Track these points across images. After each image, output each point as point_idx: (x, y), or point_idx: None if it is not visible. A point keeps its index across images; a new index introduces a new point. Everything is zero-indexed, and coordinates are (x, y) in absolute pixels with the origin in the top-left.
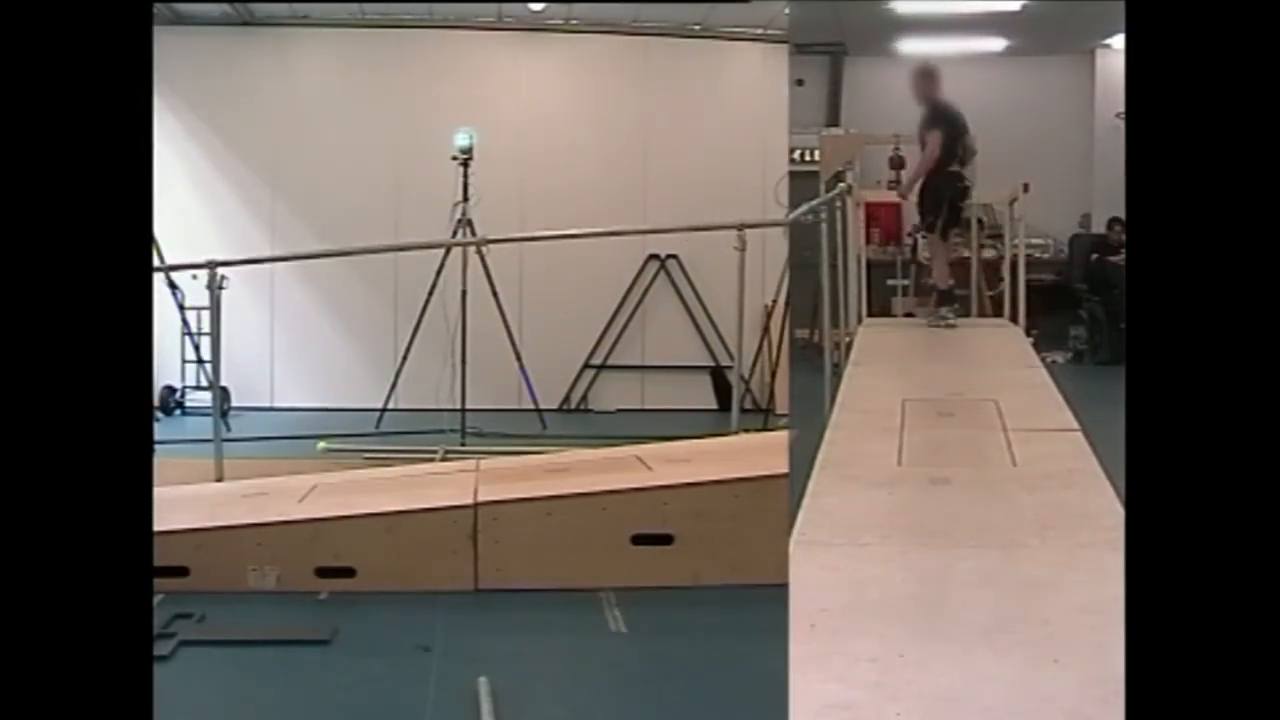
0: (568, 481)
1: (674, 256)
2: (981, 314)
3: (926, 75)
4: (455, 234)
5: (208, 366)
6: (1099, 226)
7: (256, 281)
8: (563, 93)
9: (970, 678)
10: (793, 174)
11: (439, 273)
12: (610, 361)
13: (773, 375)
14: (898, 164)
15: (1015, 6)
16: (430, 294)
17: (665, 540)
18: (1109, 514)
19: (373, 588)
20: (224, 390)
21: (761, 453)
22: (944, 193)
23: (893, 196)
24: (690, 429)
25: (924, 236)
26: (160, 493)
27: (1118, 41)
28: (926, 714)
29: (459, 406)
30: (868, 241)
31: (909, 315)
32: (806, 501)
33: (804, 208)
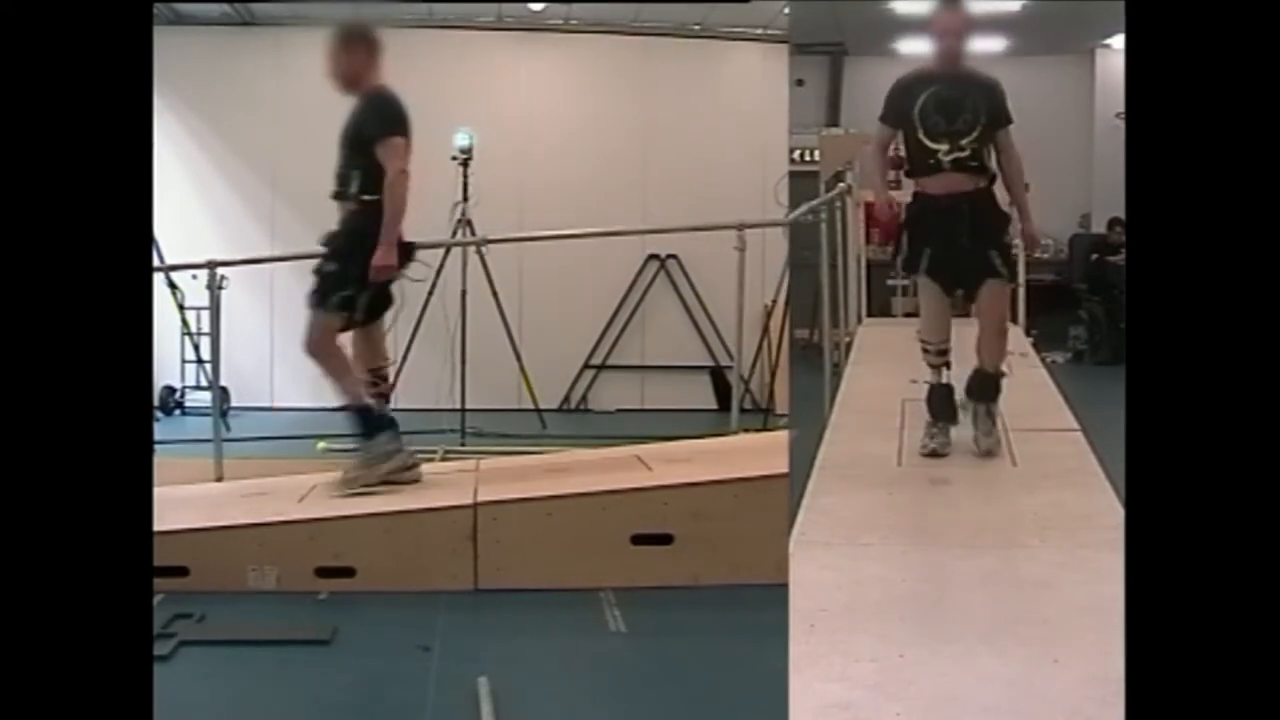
0: (568, 481)
1: (674, 256)
2: None
3: (954, 17)
4: (455, 234)
5: (207, 366)
6: (1099, 226)
7: (256, 281)
8: (563, 93)
9: (970, 678)
10: (793, 174)
11: (439, 273)
12: (610, 361)
13: (773, 375)
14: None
15: (1015, 6)
16: (430, 294)
17: (665, 540)
18: (1109, 514)
19: (373, 588)
20: (224, 390)
21: (761, 453)
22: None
23: (894, 196)
24: (690, 429)
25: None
26: (160, 493)
27: (1118, 41)
28: (926, 714)
29: (459, 406)
30: (868, 241)
31: (909, 315)
32: (806, 501)
33: (804, 208)
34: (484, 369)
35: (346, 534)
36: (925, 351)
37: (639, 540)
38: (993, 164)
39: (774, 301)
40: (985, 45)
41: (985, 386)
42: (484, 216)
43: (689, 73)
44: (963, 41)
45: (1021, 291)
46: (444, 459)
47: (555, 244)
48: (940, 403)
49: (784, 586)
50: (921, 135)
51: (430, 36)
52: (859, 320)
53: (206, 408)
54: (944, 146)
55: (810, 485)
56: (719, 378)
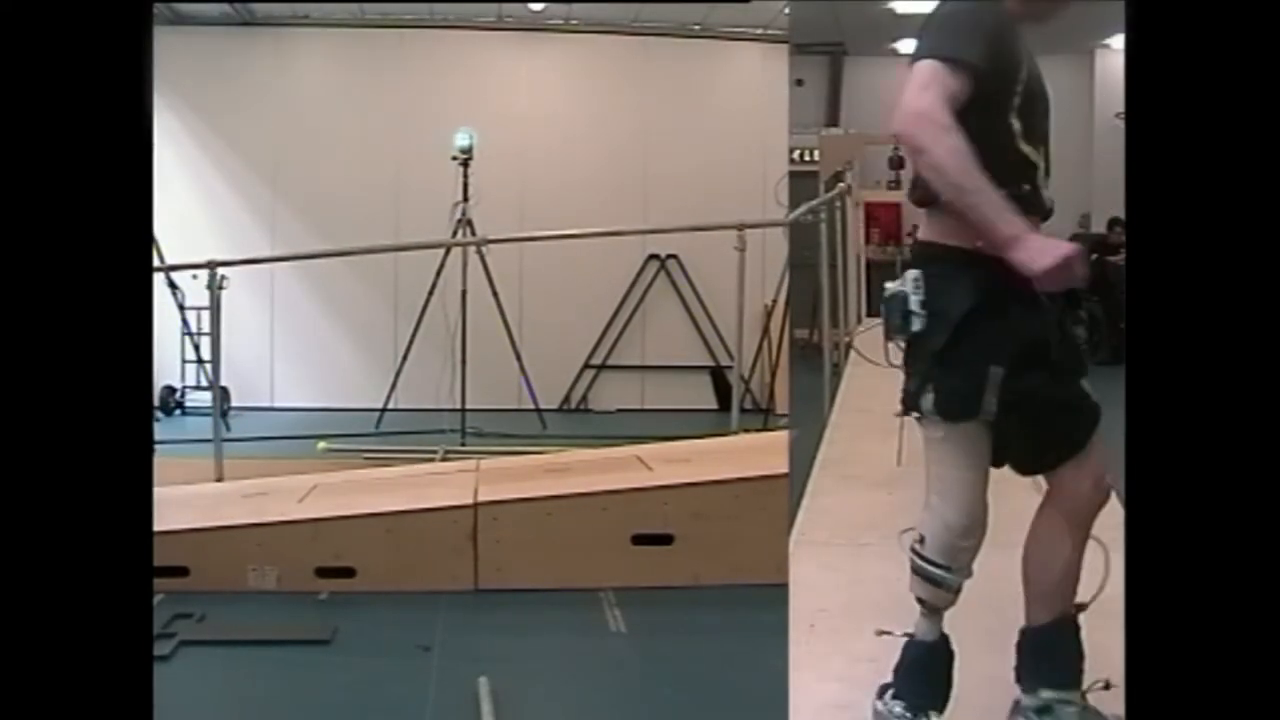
0: (568, 481)
1: (674, 256)
2: None
3: None
4: (455, 234)
5: (208, 366)
6: (1099, 226)
7: (256, 281)
8: (563, 93)
9: (970, 678)
10: (793, 174)
11: (439, 273)
12: (610, 361)
13: (773, 375)
14: (897, 164)
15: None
16: (430, 294)
17: (665, 540)
18: (1109, 514)
19: (373, 588)
20: (224, 390)
21: (761, 453)
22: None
23: (893, 196)
24: (690, 429)
25: (917, 418)
26: (160, 493)
27: (1118, 41)
28: None
29: (459, 406)
30: (867, 241)
31: None
32: (806, 501)
33: (804, 208)
34: (484, 369)
35: (346, 534)
36: (923, 574)
37: (639, 540)
38: None
39: (774, 301)
40: None
41: (1062, 653)
42: (484, 216)
43: (689, 73)
44: None
45: None
46: (444, 459)
47: (555, 244)
48: (926, 673)
49: (784, 586)
50: (1017, 131)
51: (430, 36)
52: (859, 320)
53: (206, 408)
54: (1045, 163)
55: (810, 485)
56: (719, 378)
